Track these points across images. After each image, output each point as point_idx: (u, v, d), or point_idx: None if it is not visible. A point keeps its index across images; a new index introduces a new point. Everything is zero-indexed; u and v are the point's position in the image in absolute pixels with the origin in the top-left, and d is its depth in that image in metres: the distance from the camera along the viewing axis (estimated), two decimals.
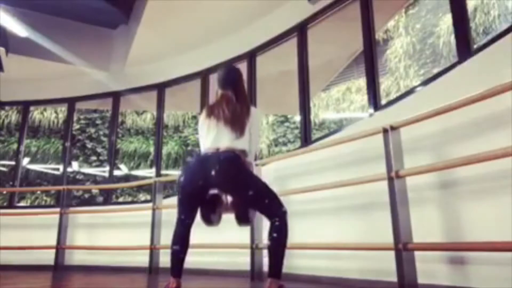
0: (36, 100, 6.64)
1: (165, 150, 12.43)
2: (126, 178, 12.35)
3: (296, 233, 3.23)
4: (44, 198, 12.25)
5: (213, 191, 2.23)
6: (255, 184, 2.19)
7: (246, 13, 4.76)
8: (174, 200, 5.03)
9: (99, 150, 12.59)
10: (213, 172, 2.11)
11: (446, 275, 2.40)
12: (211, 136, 2.23)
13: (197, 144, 11.91)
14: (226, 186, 2.20)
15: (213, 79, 5.40)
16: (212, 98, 2.43)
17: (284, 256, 2.13)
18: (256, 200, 2.18)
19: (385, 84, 10.46)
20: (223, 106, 2.28)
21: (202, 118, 2.36)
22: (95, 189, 11.73)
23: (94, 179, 12.42)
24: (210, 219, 2.26)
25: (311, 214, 3.45)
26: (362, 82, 11.16)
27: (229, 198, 2.30)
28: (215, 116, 2.27)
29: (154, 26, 4.99)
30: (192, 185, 2.18)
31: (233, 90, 2.34)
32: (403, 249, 2.38)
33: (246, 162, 2.21)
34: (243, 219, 2.28)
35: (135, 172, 12.70)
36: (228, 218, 2.28)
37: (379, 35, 9.98)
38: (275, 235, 2.12)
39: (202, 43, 5.31)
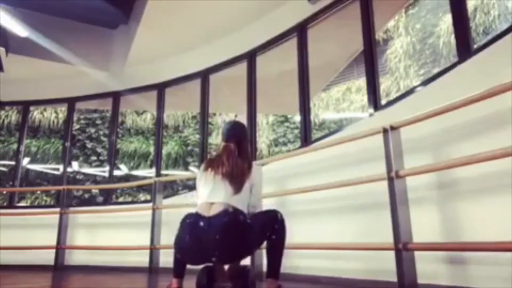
0: (36, 100, 6.64)
1: (165, 150, 12.44)
2: (126, 178, 12.35)
3: (296, 233, 3.23)
4: (44, 198, 12.26)
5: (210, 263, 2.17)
6: (256, 236, 2.12)
7: (246, 13, 4.76)
8: (174, 200, 5.08)
9: (99, 150, 12.60)
10: (214, 259, 2.03)
11: (446, 275, 2.40)
12: (207, 190, 2.14)
13: (197, 144, 11.91)
14: (231, 261, 2.18)
15: (214, 79, 5.41)
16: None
17: (282, 257, 2.14)
18: (261, 242, 2.16)
19: (385, 84, 10.47)
20: (223, 159, 2.21)
21: (201, 170, 2.29)
22: (95, 189, 11.73)
23: (94, 179, 12.42)
24: None
25: (311, 214, 3.45)
26: (362, 82, 11.16)
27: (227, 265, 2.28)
28: (213, 169, 2.19)
29: (154, 26, 4.99)
30: (189, 262, 2.13)
31: (236, 144, 2.29)
32: (403, 249, 2.38)
33: (240, 220, 2.04)
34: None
35: (135, 172, 12.70)
36: None
37: (379, 35, 9.98)
38: (273, 237, 2.13)
39: (202, 43, 5.31)
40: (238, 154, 2.25)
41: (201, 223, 2.01)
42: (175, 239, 2.09)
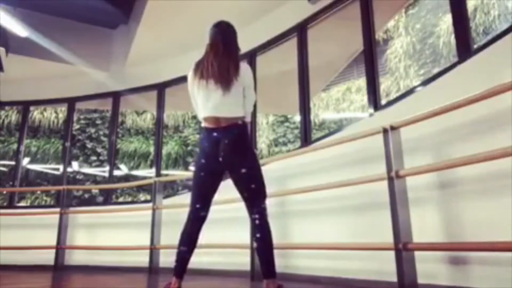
0: (36, 100, 6.63)
1: (165, 150, 12.44)
2: (126, 178, 12.35)
3: (296, 233, 3.25)
4: (44, 198, 12.26)
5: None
6: (251, 163, 2.20)
7: (246, 13, 4.75)
8: (174, 200, 5.07)
9: (99, 150, 12.60)
10: (220, 158, 2.15)
11: (446, 275, 2.40)
12: (206, 102, 2.21)
13: (197, 144, 11.92)
14: (227, 165, 2.20)
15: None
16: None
17: (273, 254, 2.10)
18: (245, 180, 2.18)
19: (385, 84, 10.47)
20: (209, 58, 2.25)
21: (190, 77, 2.32)
22: (95, 189, 11.73)
23: (94, 179, 12.42)
24: None
25: (311, 214, 3.45)
26: (362, 82, 11.17)
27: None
28: (203, 76, 2.22)
29: (154, 26, 4.99)
30: (211, 166, 2.20)
31: (222, 43, 2.29)
32: (403, 249, 2.38)
33: (247, 131, 2.27)
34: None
35: (135, 172, 12.70)
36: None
37: (379, 35, 9.98)
38: (258, 235, 2.11)
39: (202, 43, 5.26)
40: (223, 52, 2.25)
41: (215, 134, 2.19)
42: (199, 149, 2.27)
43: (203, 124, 2.27)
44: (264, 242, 2.11)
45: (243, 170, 2.16)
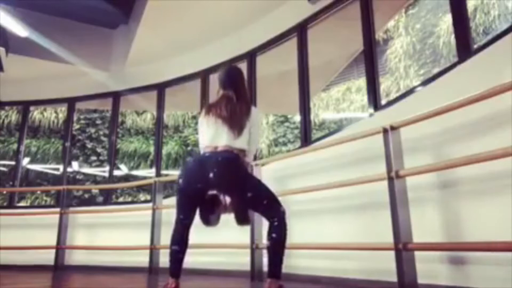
0: (36, 100, 6.64)
1: (165, 150, 12.43)
2: (126, 178, 12.34)
3: (296, 233, 3.24)
4: (44, 198, 12.25)
5: (212, 191, 2.21)
6: (254, 185, 2.19)
7: (246, 13, 4.75)
8: (174, 200, 5.05)
9: (99, 150, 12.60)
10: (211, 175, 2.09)
11: (446, 275, 2.40)
12: (210, 134, 2.22)
13: (197, 144, 11.91)
14: (225, 188, 2.18)
15: (213, 79, 5.40)
16: (213, 98, 2.42)
17: (284, 256, 2.13)
18: (255, 201, 2.17)
19: (385, 84, 10.46)
20: (222, 105, 2.27)
21: (202, 116, 2.35)
22: (95, 189, 11.73)
23: (94, 179, 12.42)
24: (209, 220, 2.24)
25: (311, 214, 3.45)
26: (362, 82, 11.16)
27: (228, 199, 2.27)
28: (213, 114, 2.25)
29: (154, 26, 4.99)
30: (190, 188, 2.17)
31: (233, 90, 2.32)
32: (403, 249, 2.38)
33: (245, 162, 2.21)
34: (243, 219, 2.25)
35: (135, 172, 12.70)
36: (228, 218, 2.28)
37: (379, 35, 9.97)
38: (274, 235, 2.12)
39: (202, 43, 5.32)
40: (236, 101, 2.28)
41: (206, 154, 2.17)
42: (181, 169, 2.23)
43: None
44: (277, 242, 2.12)
45: (249, 194, 2.15)
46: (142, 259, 4.56)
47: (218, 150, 2.16)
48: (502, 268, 2.09)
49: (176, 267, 2.15)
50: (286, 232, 2.15)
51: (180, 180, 2.19)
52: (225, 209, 2.28)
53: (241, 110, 2.25)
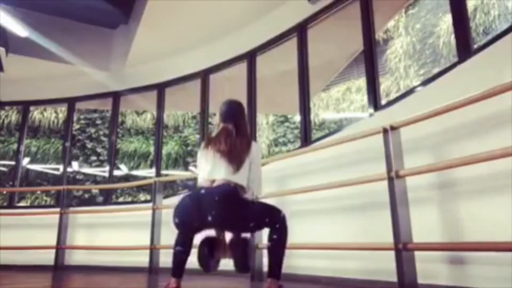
0: (36, 100, 6.64)
1: (165, 150, 12.44)
2: (126, 178, 12.34)
3: (296, 233, 3.23)
4: (44, 198, 12.25)
5: (210, 231, 2.20)
6: (254, 213, 2.15)
7: (246, 13, 4.75)
8: (174, 200, 5.05)
9: (99, 150, 12.60)
10: (209, 218, 2.04)
11: (446, 275, 2.40)
12: (208, 167, 2.18)
13: (197, 144, 11.92)
14: (225, 226, 2.18)
15: (213, 79, 5.41)
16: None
17: (284, 257, 2.14)
18: (258, 227, 2.19)
19: (385, 84, 10.46)
20: (221, 139, 2.23)
21: (201, 148, 2.32)
22: (95, 189, 11.73)
23: (94, 179, 12.42)
24: (209, 266, 2.19)
25: (311, 214, 3.45)
26: (362, 82, 11.16)
27: (228, 236, 2.27)
28: (212, 148, 2.22)
29: (154, 26, 4.99)
30: (187, 226, 2.13)
31: (234, 124, 2.30)
32: (403, 249, 2.38)
33: (243, 197, 2.15)
34: (242, 267, 2.23)
35: (135, 172, 12.70)
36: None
37: (379, 35, 9.98)
38: (275, 236, 2.14)
39: (202, 43, 5.31)
40: (236, 134, 2.26)
41: (202, 191, 2.10)
42: (175, 207, 2.15)
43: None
44: (278, 243, 2.14)
45: (252, 224, 2.16)
46: (142, 259, 4.56)
47: (215, 185, 2.09)
48: (502, 268, 2.09)
49: (179, 267, 2.14)
50: (287, 234, 2.18)
51: (176, 219, 2.13)
52: (225, 253, 2.26)
53: (241, 144, 2.22)
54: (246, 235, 2.30)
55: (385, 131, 2.64)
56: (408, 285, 2.33)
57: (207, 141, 2.32)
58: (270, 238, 2.14)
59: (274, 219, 2.16)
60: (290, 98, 4.70)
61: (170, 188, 11.65)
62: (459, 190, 2.42)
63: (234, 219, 2.11)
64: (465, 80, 2.52)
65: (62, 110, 11.99)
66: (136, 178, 12.06)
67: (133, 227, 4.96)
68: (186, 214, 2.12)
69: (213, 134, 2.38)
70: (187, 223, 2.13)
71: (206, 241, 2.25)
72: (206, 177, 2.17)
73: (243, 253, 2.23)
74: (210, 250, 2.22)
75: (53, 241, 5.06)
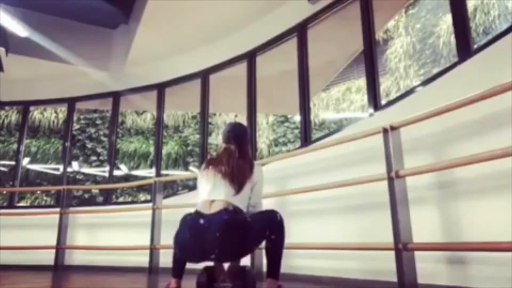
0: (36, 100, 6.64)
1: (165, 150, 12.44)
2: (126, 178, 12.35)
3: (296, 233, 3.24)
4: (44, 198, 12.26)
5: (209, 263, 2.20)
6: (255, 235, 2.11)
7: (246, 13, 4.75)
8: (174, 200, 5.07)
9: (99, 150, 12.60)
10: (212, 256, 2.02)
11: (446, 275, 2.40)
12: (207, 188, 2.15)
13: (197, 144, 11.91)
14: (229, 260, 2.21)
15: (213, 79, 5.41)
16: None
17: (282, 257, 2.14)
18: (261, 242, 2.17)
19: (385, 84, 10.47)
20: (223, 159, 2.22)
21: (201, 169, 2.30)
22: (95, 189, 11.73)
23: (94, 179, 12.42)
24: None
25: (311, 214, 3.45)
26: (362, 82, 11.16)
27: (226, 264, 2.29)
28: (213, 168, 2.19)
29: (154, 26, 4.99)
30: (188, 259, 2.12)
31: (236, 146, 2.28)
32: (403, 249, 2.38)
33: (242, 219, 2.08)
34: None
35: (135, 172, 12.70)
36: None
37: (379, 35, 9.98)
38: (273, 237, 2.14)
39: (202, 43, 5.31)
40: (238, 156, 2.24)
41: (202, 221, 2.01)
42: (175, 236, 2.10)
43: (195, 209, 2.13)
44: (276, 243, 2.13)
45: (254, 247, 2.19)
46: (142, 259, 4.56)
47: (213, 212, 2.02)
48: (502, 268, 2.09)
49: (180, 268, 2.15)
50: (284, 233, 2.18)
51: (176, 250, 2.11)
52: (224, 280, 2.26)
53: (244, 166, 2.20)
54: (247, 264, 2.30)
55: (385, 131, 2.64)
56: (408, 285, 2.33)
57: (208, 162, 2.28)
58: (268, 239, 2.15)
59: (273, 226, 2.15)
60: (290, 98, 4.70)
61: (170, 188, 11.66)
62: (459, 190, 2.42)
63: (238, 252, 2.11)
64: (465, 80, 2.52)
65: (62, 110, 11.99)
66: (136, 178, 12.06)
67: (133, 227, 4.96)
68: (186, 249, 2.06)
69: (214, 155, 2.36)
70: (188, 255, 2.10)
71: (206, 269, 2.26)
72: (205, 197, 2.13)
73: (243, 284, 2.22)
74: (209, 279, 2.23)
75: (53, 241, 5.06)
